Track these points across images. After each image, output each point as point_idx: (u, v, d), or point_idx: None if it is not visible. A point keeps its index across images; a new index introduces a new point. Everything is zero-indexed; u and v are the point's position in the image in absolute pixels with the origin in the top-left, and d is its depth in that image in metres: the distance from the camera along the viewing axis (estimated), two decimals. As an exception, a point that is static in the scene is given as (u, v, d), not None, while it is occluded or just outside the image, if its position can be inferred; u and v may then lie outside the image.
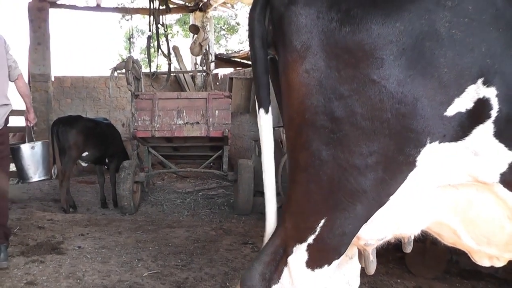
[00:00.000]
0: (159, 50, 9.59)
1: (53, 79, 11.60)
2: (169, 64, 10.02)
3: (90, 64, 27.85)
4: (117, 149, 8.45)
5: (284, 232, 1.84)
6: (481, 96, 1.59)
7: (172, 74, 12.47)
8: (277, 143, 6.40)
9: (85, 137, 7.69)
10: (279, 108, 1.98)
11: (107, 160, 8.30)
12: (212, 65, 9.49)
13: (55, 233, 5.71)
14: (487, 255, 1.99)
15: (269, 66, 1.93)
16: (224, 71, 13.31)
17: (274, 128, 2.00)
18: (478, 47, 1.58)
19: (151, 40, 9.68)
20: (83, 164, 8.24)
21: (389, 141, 1.62)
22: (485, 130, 1.62)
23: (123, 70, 8.18)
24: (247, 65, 12.73)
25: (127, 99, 11.85)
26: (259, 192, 7.77)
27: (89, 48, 33.34)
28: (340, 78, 1.63)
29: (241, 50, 14.05)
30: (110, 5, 15.00)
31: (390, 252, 4.71)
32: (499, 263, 2.03)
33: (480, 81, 1.59)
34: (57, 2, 11.53)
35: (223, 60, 13.61)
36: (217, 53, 14.14)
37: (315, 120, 1.67)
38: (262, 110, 1.94)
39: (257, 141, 8.17)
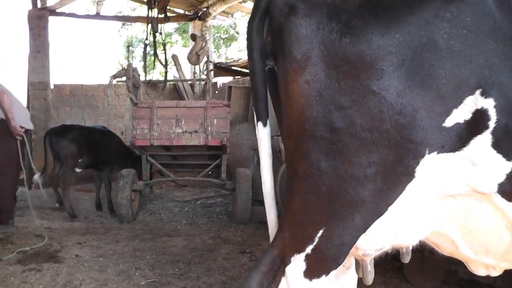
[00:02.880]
0: (156, 58, 9.60)
1: (52, 87, 11.61)
2: (166, 72, 10.04)
3: (90, 72, 27.85)
4: (112, 156, 8.47)
5: (282, 242, 1.84)
6: (479, 107, 1.61)
7: (171, 83, 12.50)
8: (276, 152, 6.41)
9: (78, 145, 7.93)
10: (277, 118, 1.98)
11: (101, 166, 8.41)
12: (211, 73, 9.47)
13: (53, 242, 5.69)
14: (484, 264, 2.00)
15: (268, 76, 1.94)
16: (223, 80, 13.33)
17: (272, 137, 2.00)
18: (476, 58, 1.59)
19: (148, 48, 9.69)
20: (77, 169, 8.41)
21: (388, 151, 1.62)
22: (483, 140, 1.63)
23: (122, 78, 8.21)
24: (246, 74, 12.74)
25: (126, 107, 11.86)
26: (257, 201, 7.76)
27: (89, 56, 33.32)
28: (340, 89, 1.64)
29: (240, 59, 14.08)
30: (109, 13, 15.03)
31: (388, 262, 4.70)
32: (495, 273, 2.04)
33: (478, 92, 1.60)
34: (57, 10, 11.54)
35: (222, 69, 13.63)
36: (216, 62, 14.16)
37: (314, 130, 1.67)
38: (260, 123, 1.95)
39: (255, 150, 8.16)
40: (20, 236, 5.85)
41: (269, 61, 1.91)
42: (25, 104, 11.11)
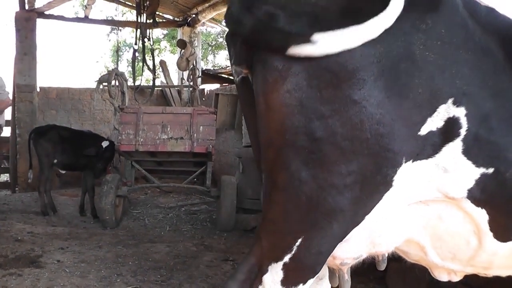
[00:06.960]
0: (145, 64, 9.57)
1: (38, 89, 11.53)
2: (154, 78, 10.03)
3: (77, 76, 27.76)
4: (93, 159, 8.35)
5: (260, 250, 1.82)
6: (451, 115, 1.65)
7: (158, 89, 12.49)
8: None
9: (52, 145, 7.96)
10: (247, 127, 1.95)
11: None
12: (199, 80, 9.46)
13: (35, 246, 5.63)
14: (447, 270, 2.05)
15: (240, 86, 1.93)
16: (210, 87, 13.34)
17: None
18: (449, 68, 1.64)
19: (136, 54, 9.66)
20: (61, 171, 8.57)
21: (368, 161, 1.63)
22: (455, 148, 1.68)
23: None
24: (234, 82, 12.74)
25: (113, 112, 11.81)
26: (242, 209, 7.76)
27: (76, 60, 33.18)
28: (321, 98, 1.63)
29: (228, 66, 14.10)
30: (98, 17, 14.98)
31: (370, 271, 4.70)
32: (456, 278, 2.11)
33: (450, 101, 1.64)
34: (45, 13, 11.48)
35: (209, 76, 13.64)
36: (204, 69, 14.16)
37: (295, 140, 1.65)
38: None
39: (241, 157, 8.16)
40: (2, 240, 5.79)
41: (244, 69, 1.88)
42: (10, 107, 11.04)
